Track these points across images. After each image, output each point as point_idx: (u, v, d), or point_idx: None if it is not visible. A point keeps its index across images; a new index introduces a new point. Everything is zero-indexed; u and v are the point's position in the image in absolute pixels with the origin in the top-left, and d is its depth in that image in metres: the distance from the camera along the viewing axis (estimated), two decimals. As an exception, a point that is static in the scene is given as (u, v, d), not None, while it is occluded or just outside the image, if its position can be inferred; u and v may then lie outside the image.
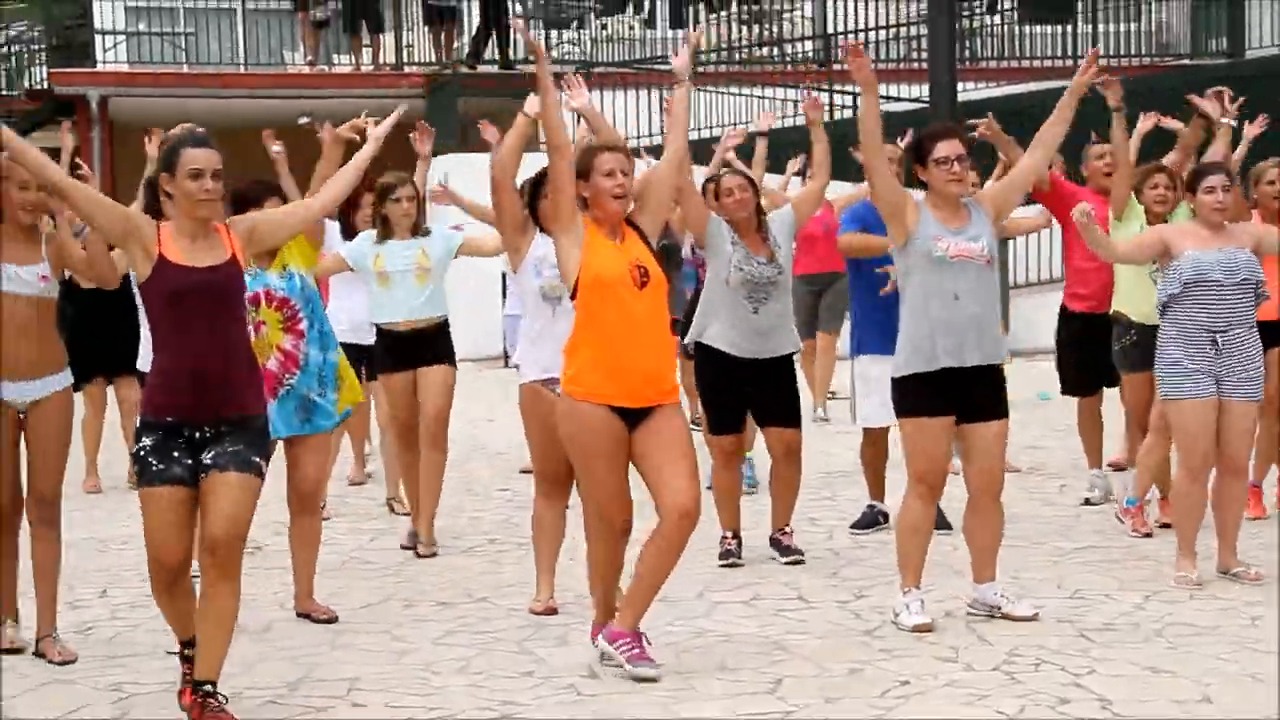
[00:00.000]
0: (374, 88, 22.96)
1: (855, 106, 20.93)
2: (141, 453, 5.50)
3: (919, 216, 6.59)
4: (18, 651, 6.51)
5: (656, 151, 10.94)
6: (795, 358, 8.11)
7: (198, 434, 5.49)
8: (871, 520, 8.61)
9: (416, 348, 8.33)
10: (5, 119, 23.54)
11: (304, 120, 28.02)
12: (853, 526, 8.64)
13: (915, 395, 6.59)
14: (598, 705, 5.72)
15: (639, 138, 19.96)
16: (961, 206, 6.66)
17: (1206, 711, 5.47)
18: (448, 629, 6.82)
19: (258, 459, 5.53)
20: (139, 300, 6.57)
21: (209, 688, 5.51)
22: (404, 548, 8.49)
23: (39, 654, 6.48)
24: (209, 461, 5.47)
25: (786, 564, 7.81)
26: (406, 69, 23.05)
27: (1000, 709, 5.52)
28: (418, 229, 8.39)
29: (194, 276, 5.45)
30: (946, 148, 6.59)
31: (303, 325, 6.96)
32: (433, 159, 9.35)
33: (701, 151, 19.13)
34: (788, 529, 8.01)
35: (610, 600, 6.28)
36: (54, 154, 22.59)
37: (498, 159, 6.77)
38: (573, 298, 6.10)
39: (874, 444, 8.67)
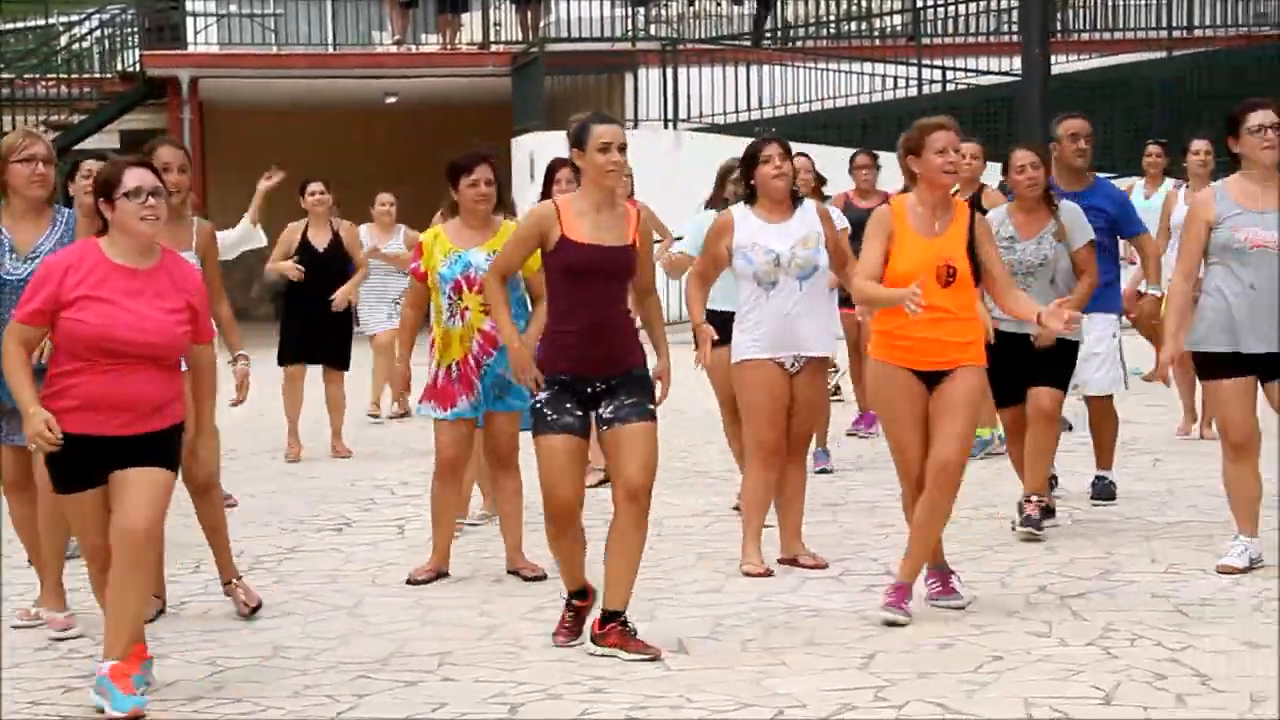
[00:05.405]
0: (460, 66, 23.05)
1: (944, 81, 20.78)
2: (537, 405, 5.97)
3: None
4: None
5: (743, 129, 10.89)
6: None
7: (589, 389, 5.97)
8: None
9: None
10: (99, 100, 23.85)
11: (390, 100, 28.03)
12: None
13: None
14: (687, 679, 5.69)
15: (724, 114, 19.90)
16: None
17: (1307, 688, 5.38)
18: (535, 604, 6.81)
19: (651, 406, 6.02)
20: None
21: (624, 617, 5.99)
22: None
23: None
24: (609, 415, 5.95)
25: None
26: (493, 48, 23.10)
27: (1096, 684, 5.44)
28: None
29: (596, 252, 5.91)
30: (1262, 116, 6.68)
31: None
32: (518, 138, 9.30)
33: (797, 125, 19.08)
34: None
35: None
36: (148, 134, 22.69)
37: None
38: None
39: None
